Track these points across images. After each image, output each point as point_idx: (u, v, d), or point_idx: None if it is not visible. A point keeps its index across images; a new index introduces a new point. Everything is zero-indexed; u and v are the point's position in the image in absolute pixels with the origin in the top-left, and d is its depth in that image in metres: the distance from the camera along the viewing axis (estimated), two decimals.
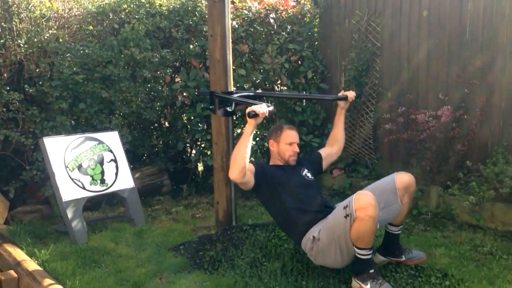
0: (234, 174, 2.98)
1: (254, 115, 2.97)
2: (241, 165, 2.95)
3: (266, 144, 5.38)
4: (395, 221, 3.13)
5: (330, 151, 3.60)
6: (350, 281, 2.92)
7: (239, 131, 5.34)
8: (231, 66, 3.80)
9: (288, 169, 3.30)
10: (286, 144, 3.29)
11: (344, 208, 2.76)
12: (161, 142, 5.49)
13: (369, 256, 2.79)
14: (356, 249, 2.77)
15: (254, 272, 3.14)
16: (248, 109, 3.00)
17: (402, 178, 3.08)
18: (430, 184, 4.16)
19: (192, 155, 5.45)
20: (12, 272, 3.01)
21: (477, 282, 2.90)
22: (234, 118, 5.12)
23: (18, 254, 3.31)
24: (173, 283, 3.02)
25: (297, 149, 3.32)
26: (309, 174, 3.34)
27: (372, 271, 2.78)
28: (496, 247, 3.40)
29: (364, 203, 2.68)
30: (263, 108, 2.98)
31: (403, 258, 3.15)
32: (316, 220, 3.09)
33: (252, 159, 4.63)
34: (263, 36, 5.16)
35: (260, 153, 5.29)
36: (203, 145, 5.26)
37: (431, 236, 3.67)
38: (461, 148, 4.02)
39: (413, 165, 4.38)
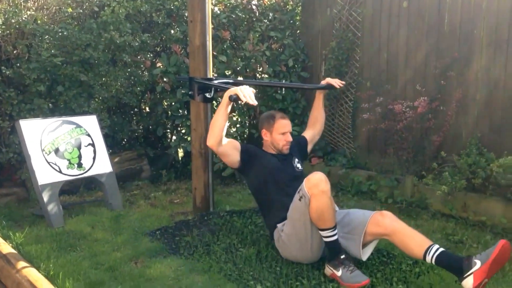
0: (209, 141, 3.12)
1: (236, 98, 3.00)
2: (215, 133, 3.08)
3: (246, 130, 5.41)
4: None
5: (313, 132, 3.66)
6: (323, 268, 2.97)
7: None
8: (210, 52, 3.80)
9: (281, 158, 3.34)
10: (280, 134, 3.32)
11: (298, 192, 2.85)
12: (141, 127, 5.48)
13: (334, 238, 2.80)
14: (320, 232, 2.81)
15: (229, 257, 3.17)
16: (231, 92, 3.02)
17: (376, 224, 2.85)
18: (406, 174, 4.22)
19: (172, 141, 5.45)
20: None
21: None
22: (214, 104, 5.13)
23: None
24: (148, 267, 3.04)
25: (290, 138, 3.36)
26: (299, 165, 3.39)
27: (343, 256, 2.81)
28: (467, 236, 3.47)
29: (314, 180, 2.76)
30: (246, 93, 3.00)
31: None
32: None
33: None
34: (245, 23, 5.15)
35: (240, 139, 5.31)
36: (183, 131, 5.25)
37: None
38: (436, 139, 4.09)
39: (390, 154, 4.44)
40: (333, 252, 2.84)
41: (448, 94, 4.12)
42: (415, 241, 2.66)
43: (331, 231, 2.79)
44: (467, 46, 3.98)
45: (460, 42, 4.02)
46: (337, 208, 3.28)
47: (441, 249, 2.59)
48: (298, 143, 3.61)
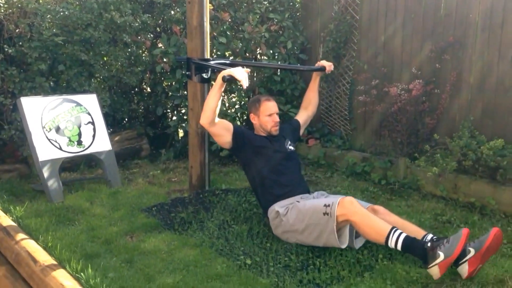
0: (201, 120, 3.27)
1: (229, 79, 3.09)
2: (207, 112, 3.21)
3: (246, 112, 5.48)
4: None
5: (306, 114, 3.78)
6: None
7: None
8: (208, 33, 3.85)
9: (272, 140, 3.44)
10: (266, 116, 3.42)
11: (325, 206, 2.88)
12: (141, 107, 5.56)
13: (402, 237, 2.63)
14: (388, 245, 2.69)
15: (221, 233, 3.28)
16: (224, 73, 3.11)
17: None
18: (399, 156, 4.29)
19: (172, 120, 5.53)
20: None
21: None
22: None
23: None
24: (143, 241, 3.14)
25: (277, 119, 3.45)
26: (291, 147, 3.49)
27: (429, 245, 2.57)
28: (455, 216, 3.55)
29: (345, 206, 2.82)
30: (240, 74, 3.08)
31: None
32: (288, 195, 3.25)
33: None
34: (245, 4, 5.18)
35: (239, 120, 5.38)
36: (183, 111, 5.33)
37: (395, 205, 3.82)
38: (430, 122, 4.14)
39: (384, 136, 4.50)
40: (417, 250, 2.61)
41: (443, 77, 4.16)
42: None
43: (393, 234, 2.66)
44: (462, 30, 4.01)
45: (456, 26, 4.05)
46: (324, 193, 3.38)
47: (435, 238, 2.68)
48: (291, 125, 3.70)
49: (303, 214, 3.02)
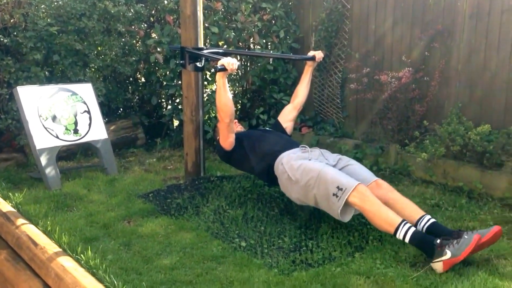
0: (225, 119, 3.33)
1: (222, 69, 3.19)
2: (227, 107, 3.30)
3: (239, 101, 5.55)
4: None
5: (292, 106, 3.95)
6: (305, 227, 3.16)
7: (213, 88, 5.48)
8: (201, 22, 3.91)
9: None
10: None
11: (338, 188, 2.85)
12: (136, 96, 5.61)
13: (411, 231, 2.66)
14: (396, 237, 2.72)
15: (217, 218, 3.37)
16: (218, 64, 3.23)
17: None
18: (390, 142, 4.38)
19: (167, 110, 5.59)
20: None
21: None
22: (208, 74, 5.26)
23: None
24: (140, 225, 3.23)
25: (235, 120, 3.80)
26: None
27: (438, 241, 2.60)
28: (444, 200, 3.65)
29: (357, 199, 2.81)
30: (231, 62, 3.20)
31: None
32: (281, 149, 3.37)
33: None
34: None
35: None
36: (177, 101, 5.39)
37: None
38: (420, 109, 4.24)
39: (375, 124, 4.60)
40: (425, 245, 2.65)
41: (432, 65, 4.25)
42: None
43: (403, 227, 2.68)
44: (450, 18, 4.09)
45: (444, 14, 4.13)
46: (338, 157, 3.37)
47: (432, 221, 2.79)
48: (274, 127, 3.90)
49: (311, 179, 3.01)
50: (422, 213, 2.87)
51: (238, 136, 3.56)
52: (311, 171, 3.04)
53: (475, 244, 2.50)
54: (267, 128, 4.02)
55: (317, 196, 2.99)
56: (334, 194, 2.87)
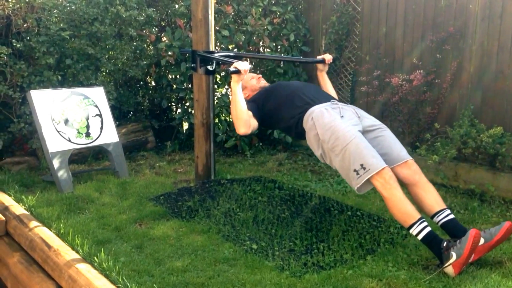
0: (242, 129, 3.26)
1: (235, 71, 3.21)
2: (243, 118, 3.23)
3: None
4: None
5: None
6: (316, 229, 3.16)
7: (223, 91, 5.51)
8: (212, 26, 3.93)
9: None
10: (250, 82, 3.58)
11: (362, 166, 2.73)
12: (146, 100, 5.64)
13: (426, 231, 2.63)
14: (410, 231, 2.69)
15: (227, 220, 3.37)
16: (231, 69, 3.25)
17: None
18: None
19: (177, 113, 5.62)
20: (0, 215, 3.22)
21: None
22: (218, 78, 5.29)
23: (6, 199, 3.52)
24: (152, 228, 3.25)
25: (259, 75, 3.68)
26: None
27: (445, 244, 2.59)
28: (455, 203, 3.63)
29: (379, 183, 2.71)
30: (245, 66, 3.21)
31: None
32: (312, 102, 3.18)
33: None
34: None
35: None
36: (187, 104, 5.42)
37: None
38: (431, 111, 4.22)
39: (386, 126, 4.57)
40: (434, 247, 2.63)
41: (443, 67, 4.24)
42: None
43: (419, 225, 2.64)
44: (462, 20, 4.08)
45: (456, 17, 4.12)
46: (374, 122, 3.17)
47: (450, 217, 2.74)
48: None
49: (338, 146, 2.86)
50: (444, 206, 2.79)
51: (266, 90, 3.47)
52: (340, 138, 2.86)
53: (472, 238, 2.48)
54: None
55: (339, 164, 2.87)
56: (355, 170, 2.75)
